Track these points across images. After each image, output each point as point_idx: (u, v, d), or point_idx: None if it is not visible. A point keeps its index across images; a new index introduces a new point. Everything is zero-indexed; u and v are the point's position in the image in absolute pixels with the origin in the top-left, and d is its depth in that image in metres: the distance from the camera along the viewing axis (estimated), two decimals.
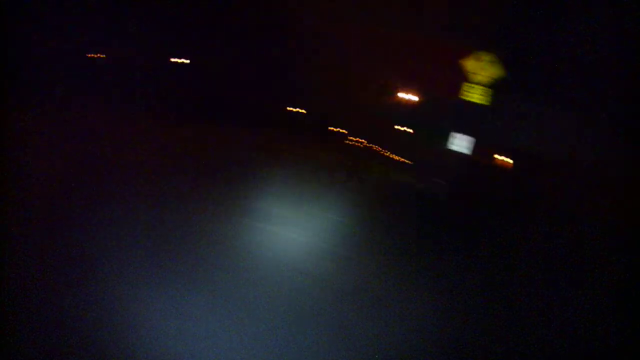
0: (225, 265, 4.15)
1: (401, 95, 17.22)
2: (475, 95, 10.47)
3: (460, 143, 10.83)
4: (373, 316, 3.96)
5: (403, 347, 3.56)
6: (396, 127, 19.72)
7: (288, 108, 21.71)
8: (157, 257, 3.94)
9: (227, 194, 7.10)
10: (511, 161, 14.33)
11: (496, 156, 14.49)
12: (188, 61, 20.48)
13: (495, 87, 10.40)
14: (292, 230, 5.95)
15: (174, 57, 20.26)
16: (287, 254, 5.03)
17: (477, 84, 10.43)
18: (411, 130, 19.25)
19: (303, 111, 21.40)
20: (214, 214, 5.80)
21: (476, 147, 11.02)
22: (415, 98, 17.06)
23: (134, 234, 4.31)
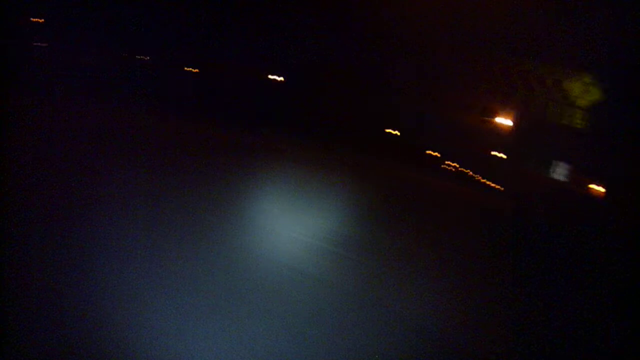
0: (225, 266, 4.16)
1: (498, 119, 16.67)
2: (574, 119, 10.04)
3: (556, 169, 10.39)
4: (373, 316, 3.96)
5: (403, 347, 3.56)
6: (493, 152, 19.05)
7: (386, 130, 21.49)
8: (157, 257, 3.93)
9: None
10: (604, 190, 12.89)
11: (591, 185, 12.91)
12: (282, 79, 20.52)
13: (594, 111, 9.86)
14: (292, 230, 5.95)
15: (272, 75, 20.40)
16: (287, 254, 5.03)
17: (576, 107, 9.99)
18: (504, 156, 18.74)
19: (397, 133, 21.27)
20: (214, 214, 5.80)
21: (571, 174, 10.51)
22: (510, 122, 16.50)
23: (133, 234, 4.31)
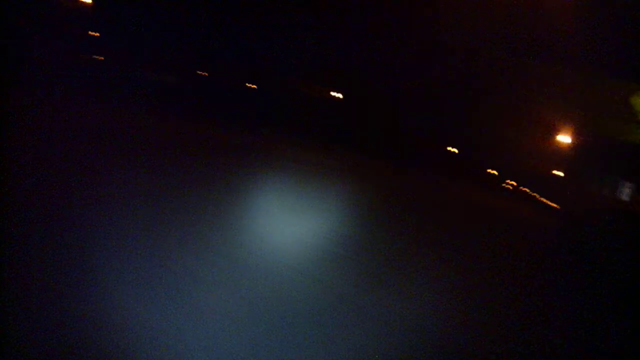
0: (225, 266, 4.16)
1: (560, 137, 16.23)
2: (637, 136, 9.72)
3: (616, 188, 10.09)
4: (373, 316, 3.96)
5: (403, 347, 3.56)
6: (554, 171, 18.74)
7: (448, 148, 21.45)
8: (157, 257, 3.93)
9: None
10: None
11: None
12: (341, 96, 20.61)
13: None
14: (293, 230, 5.96)
15: (335, 92, 20.53)
16: (288, 254, 5.03)
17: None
18: (562, 174, 18.43)
19: (455, 150, 21.20)
20: (214, 214, 5.80)
21: (634, 193, 10.16)
22: (569, 139, 16.10)
23: (133, 234, 4.31)
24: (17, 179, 4.95)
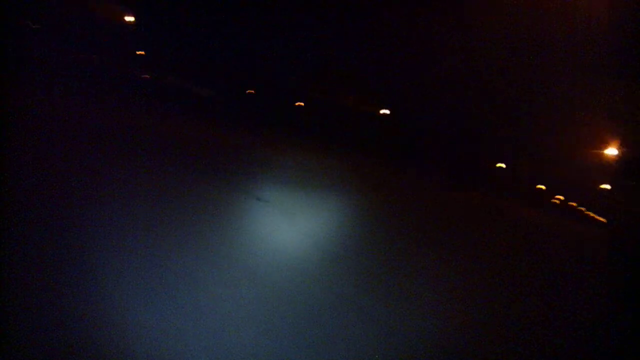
0: (226, 266, 4.15)
1: (609, 150, 15.98)
2: None
3: None
4: (373, 316, 3.96)
5: (403, 348, 3.56)
6: (601, 185, 18.50)
7: (497, 165, 21.31)
8: (157, 257, 3.93)
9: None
10: None
11: None
12: (388, 112, 20.63)
13: None
14: (293, 229, 5.95)
15: (383, 110, 20.59)
16: (287, 254, 5.03)
17: None
18: (608, 187, 18.18)
19: (503, 165, 21.09)
20: (214, 214, 5.80)
21: None
22: (615, 152, 15.95)
23: (133, 234, 4.31)
24: (17, 179, 4.95)
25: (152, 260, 3.84)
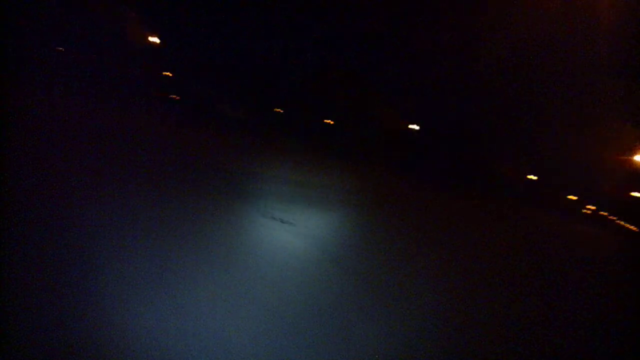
0: (226, 266, 4.16)
1: (635, 156, 15.87)
2: None
3: None
4: (373, 316, 3.96)
5: (403, 348, 3.56)
6: (632, 193, 18.42)
7: (528, 176, 21.21)
8: (157, 256, 3.93)
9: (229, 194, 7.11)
10: None
11: None
12: (418, 127, 20.66)
13: None
14: (293, 229, 5.95)
15: (410, 125, 20.58)
16: (288, 254, 5.03)
17: None
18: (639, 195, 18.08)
19: (534, 177, 21.01)
20: (214, 215, 5.80)
21: None
22: None
23: (133, 234, 4.31)
24: (17, 179, 4.95)
25: (152, 260, 3.84)
